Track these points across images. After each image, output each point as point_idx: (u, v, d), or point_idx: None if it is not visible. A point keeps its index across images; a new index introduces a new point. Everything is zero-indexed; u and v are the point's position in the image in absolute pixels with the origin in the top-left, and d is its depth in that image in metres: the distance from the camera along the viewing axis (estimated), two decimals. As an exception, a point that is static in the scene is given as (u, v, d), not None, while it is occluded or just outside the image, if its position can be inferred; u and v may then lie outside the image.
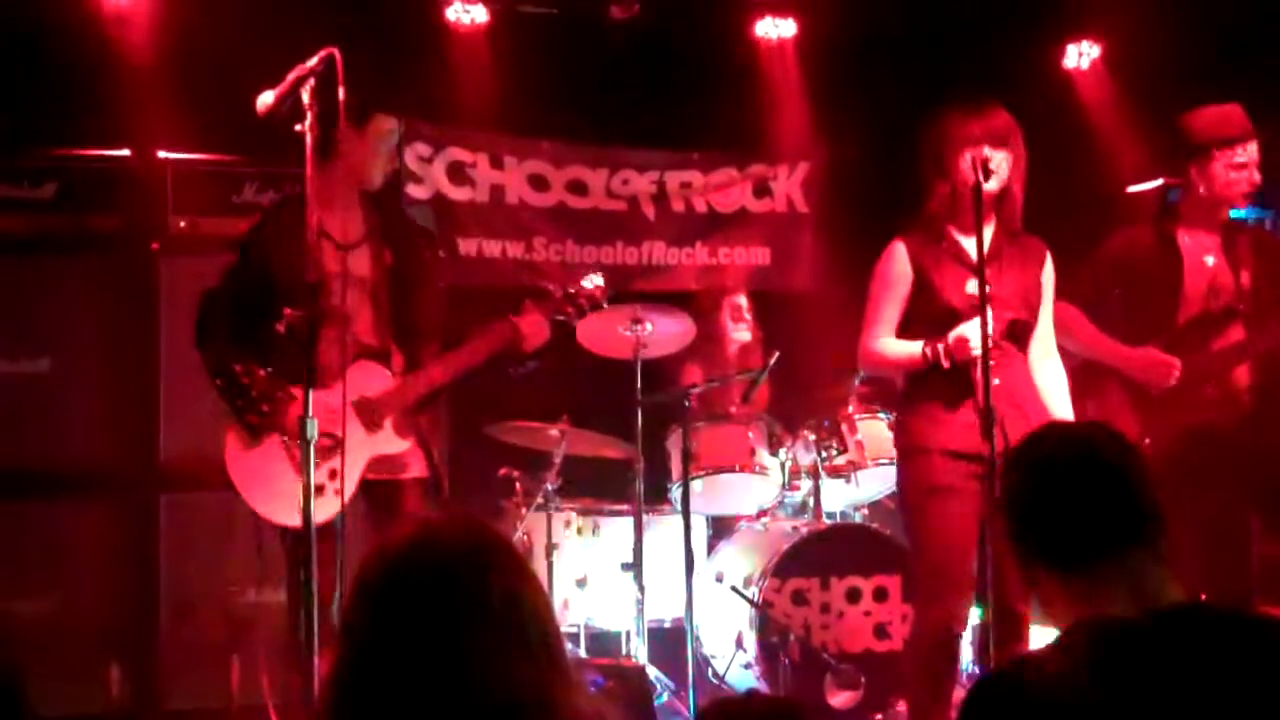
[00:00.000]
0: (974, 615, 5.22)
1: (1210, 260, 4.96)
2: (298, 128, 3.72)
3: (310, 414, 3.66)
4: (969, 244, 4.29)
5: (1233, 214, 5.09)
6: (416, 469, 4.49)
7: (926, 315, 4.33)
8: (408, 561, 1.68)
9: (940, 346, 4.22)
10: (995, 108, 4.30)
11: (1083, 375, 4.92)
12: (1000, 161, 4.21)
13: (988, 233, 4.29)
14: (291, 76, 3.73)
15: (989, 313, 4.09)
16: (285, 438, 4.28)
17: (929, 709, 4.26)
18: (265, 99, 3.78)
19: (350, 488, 4.21)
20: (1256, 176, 4.89)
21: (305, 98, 3.69)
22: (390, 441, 4.40)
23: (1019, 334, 4.36)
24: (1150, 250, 5.00)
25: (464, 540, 1.70)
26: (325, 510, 4.08)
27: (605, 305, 4.77)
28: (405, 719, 1.58)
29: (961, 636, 4.46)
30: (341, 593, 3.63)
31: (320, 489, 4.19)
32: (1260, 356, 4.94)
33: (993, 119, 4.26)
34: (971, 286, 4.21)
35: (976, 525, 4.23)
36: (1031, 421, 4.19)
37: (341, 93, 3.64)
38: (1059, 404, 4.43)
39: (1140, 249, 5.04)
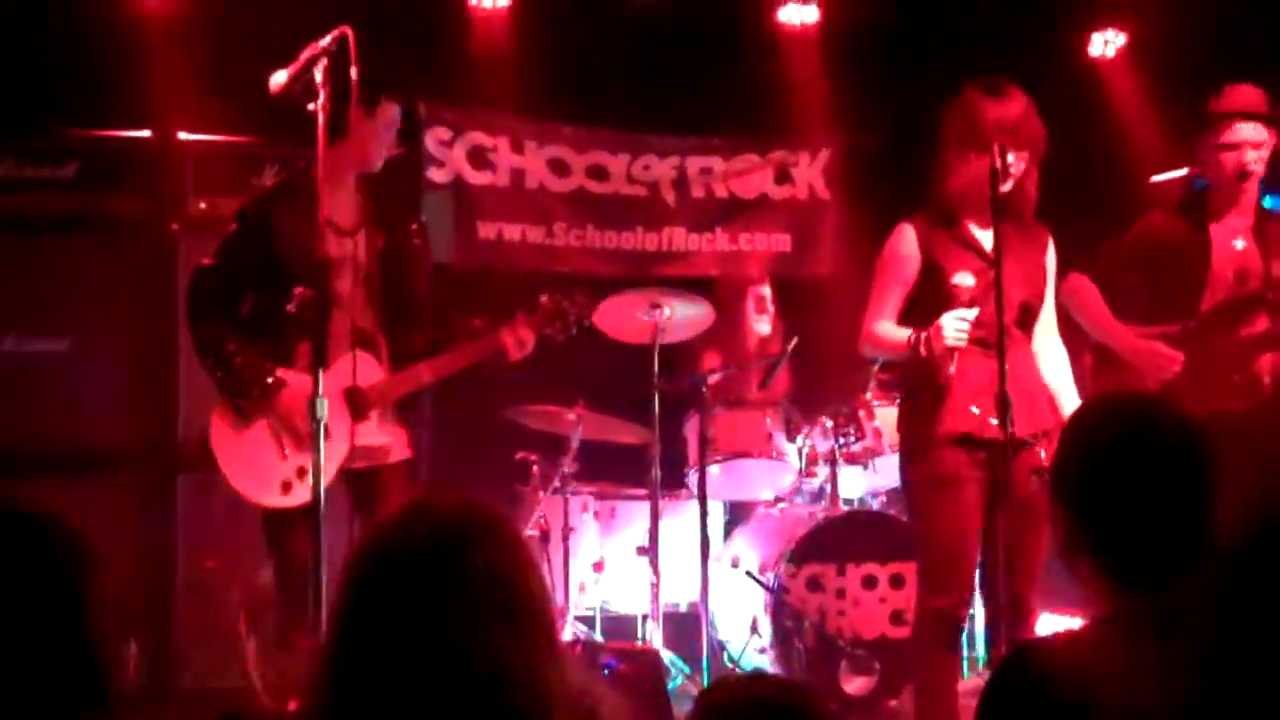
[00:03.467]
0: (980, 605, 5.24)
1: (1240, 245, 4.92)
2: (310, 107, 3.73)
3: (321, 393, 3.67)
4: (981, 234, 4.29)
5: (1265, 202, 5.03)
6: (399, 453, 4.52)
7: (932, 301, 4.29)
8: (398, 538, 1.68)
9: (922, 336, 4.20)
10: (1016, 94, 4.23)
11: (1103, 350, 4.90)
12: (1016, 161, 4.18)
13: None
14: (304, 55, 3.74)
15: (996, 299, 4.07)
16: (273, 420, 4.31)
17: (935, 697, 4.25)
18: (278, 78, 3.79)
19: (330, 474, 4.23)
20: (1246, 158, 4.82)
21: (318, 77, 3.70)
22: (372, 434, 4.43)
23: (1025, 318, 4.34)
24: (1179, 233, 4.97)
25: (454, 517, 1.70)
26: (303, 494, 4.13)
27: (588, 324, 4.79)
28: (392, 693, 1.58)
29: (965, 624, 4.45)
30: (323, 574, 3.65)
31: (302, 472, 4.23)
32: None
33: (1015, 109, 4.20)
34: (966, 278, 4.19)
35: (981, 514, 4.23)
36: (1035, 407, 4.18)
37: (354, 72, 3.64)
38: (1063, 387, 4.41)
39: (1169, 231, 5.00)
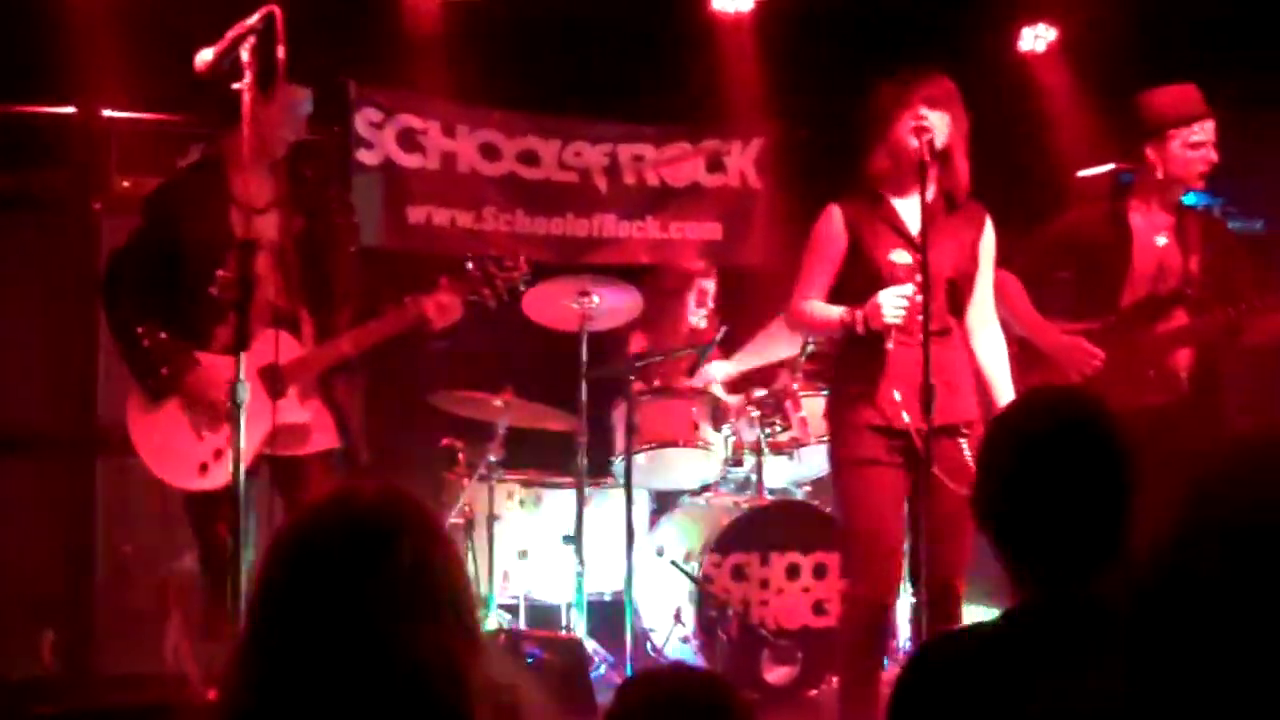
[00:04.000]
0: (908, 593, 5.27)
1: (1161, 241, 4.97)
2: (235, 86, 3.69)
3: (242, 378, 3.64)
4: (906, 211, 4.31)
5: (1185, 199, 5.09)
6: (323, 441, 4.47)
7: (859, 281, 4.30)
8: (316, 527, 1.65)
9: (858, 313, 4.21)
10: (935, 74, 4.28)
11: (1026, 344, 4.93)
12: (937, 122, 4.20)
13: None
14: (231, 34, 3.69)
15: (922, 280, 4.10)
16: (185, 401, 4.28)
17: (860, 683, 4.27)
18: (205, 56, 3.74)
19: (249, 454, 4.19)
20: (1214, 155, 4.88)
21: (245, 56, 3.65)
22: (293, 410, 4.39)
23: (953, 301, 4.33)
24: (1101, 228, 5.01)
25: (374, 507, 1.68)
26: (225, 475, 4.09)
27: (523, 289, 4.75)
28: (308, 684, 1.55)
29: (892, 610, 4.47)
30: (245, 559, 3.62)
31: (219, 453, 4.21)
32: (1202, 343, 4.96)
33: (931, 84, 4.25)
34: (902, 255, 4.21)
35: (904, 500, 4.26)
36: (957, 396, 4.20)
37: (281, 51, 3.60)
38: (998, 375, 4.40)
39: (1091, 226, 5.04)
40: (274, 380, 4.34)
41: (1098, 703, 1.45)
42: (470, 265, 4.60)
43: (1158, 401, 4.84)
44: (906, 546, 4.52)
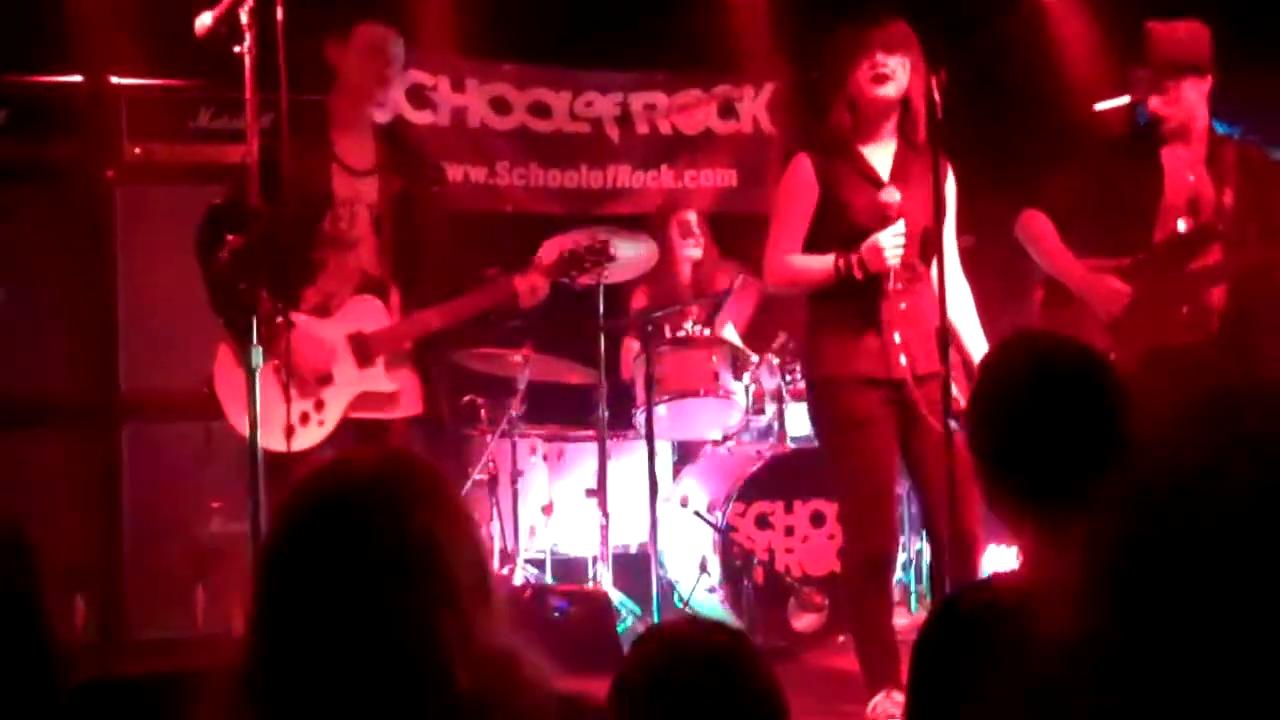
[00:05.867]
0: (922, 541, 5.27)
1: (1192, 177, 4.85)
2: (237, 49, 3.66)
3: (256, 343, 3.64)
4: (874, 157, 4.28)
5: (1217, 127, 4.98)
6: (408, 407, 4.47)
7: (832, 231, 4.26)
8: (302, 496, 1.64)
9: (854, 258, 4.17)
10: (891, 17, 4.23)
11: (1054, 285, 4.87)
12: (895, 67, 4.16)
13: (891, 148, 4.31)
14: (229, -4, 3.67)
15: (902, 227, 4.11)
16: (279, 362, 4.26)
17: (871, 639, 4.28)
18: (204, 20, 3.73)
19: (334, 420, 4.20)
20: (1202, 112, 4.78)
21: (244, 18, 3.63)
22: (379, 380, 4.40)
23: (926, 249, 4.28)
24: (1130, 163, 4.89)
25: (378, 475, 1.66)
26: (307, 439, 4.18)
27: (613, 262, 4.79)
28: (307, 656, 1.55)
29: (894, 561, 4.47)
30: None
31: (305, 418, 4.22)
32: (1236, 279, 4.84)
33: (888, 28, 4.20)
34: (893, 194, 4.18)
35: (896, 450, 4.25)
36: (935, 345, 4.15)
37: (280, 13, 3.57)
38: (965, 324, 4.35)
39: (1120, 162, 4.93)
40: (362, 348, 4.34)
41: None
42: (565, 249, 4.63)
43: (1187, 340, 4.75)
44: (902, 494, 4.51)
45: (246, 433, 4.27)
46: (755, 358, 5.96)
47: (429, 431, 4.58)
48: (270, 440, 4.24)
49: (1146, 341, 4.68)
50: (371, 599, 1.54)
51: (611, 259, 4.77)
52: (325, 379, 4.25)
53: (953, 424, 3.94)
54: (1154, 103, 4.76)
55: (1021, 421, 2.13)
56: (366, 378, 4.34)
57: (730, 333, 6.21)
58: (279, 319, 4.22)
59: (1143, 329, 4.71)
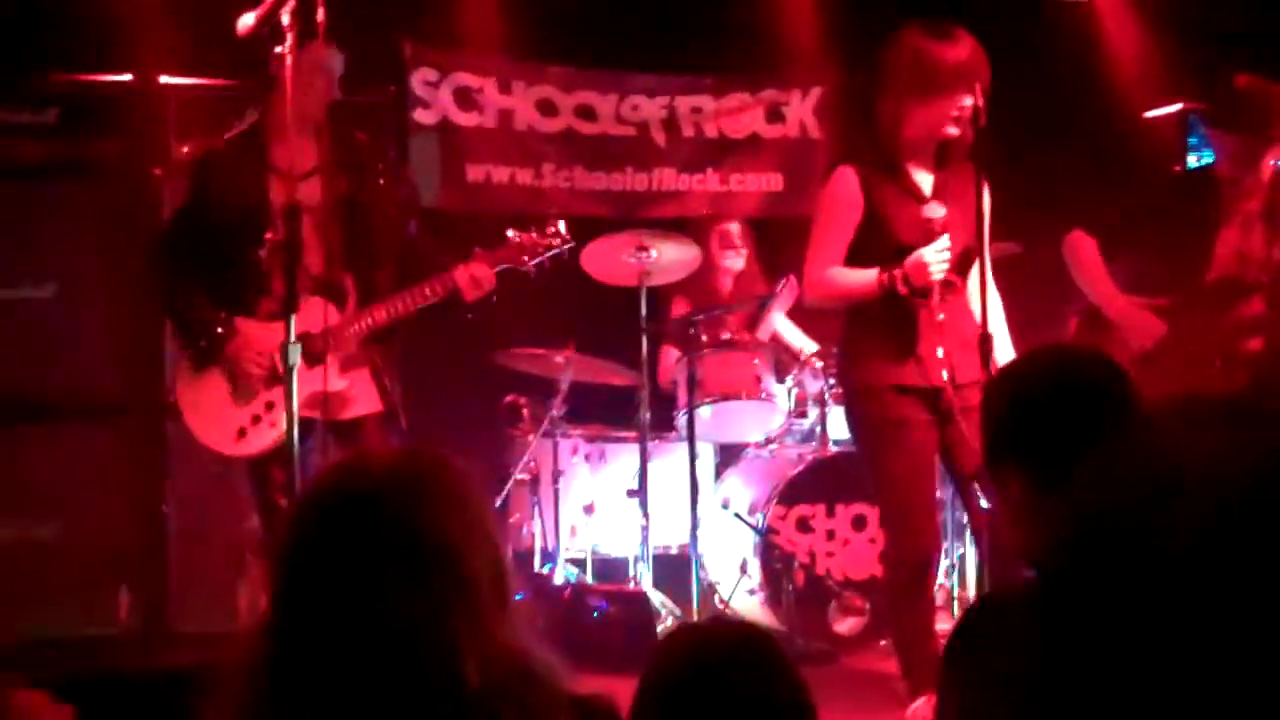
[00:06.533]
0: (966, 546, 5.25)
1: (1245, 225, 4.76)
2: (278, 50, 3.69)
3: (293, 339, 3.68)
4: (922, 176, 4.28)
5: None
6: (365, 405, 4.49)
7: (875, 246, 4.24)
8: (313, 497, 1.64)
9: (898, 273, 4.15)
10: (963, 35, 4.18)
11: (1089, 318, 4.81)
12: (972, 104, 4.12)
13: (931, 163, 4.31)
14: (271, -2, 3.69)
15: (946, 243, 4.12)
16: (225, 369, 4.34)
17: (914, 643, 4.25)
18: (246, 20, 3.76)
19: (283, 422, 4.23)
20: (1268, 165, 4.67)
21: (285, 19, 3.65)
22: (331, 379, 4.40)
23: (965, 264, 4.28)
24: (1187, 202, 4.80)
25: (394, 472, 1.65)
26: (261, 440, 4.26)
27: (565, 256, 4.72)
28: (314, 656, 1.55)
29: (936, 565, 4.44)
30: None
31: (255, 419, 4.29)
32: (1276, 334, 4.73)
33: (977, 64, 4.14)
34: (937, 209, 4.16)
35: (935, 457, 4.25)
36: (975, 355, 4.12)
37: (321, 14, 3.60)
38: (998, 336, 4.28)
39: (1178, 198, 4.83)
40: (309, 349, 4.36)
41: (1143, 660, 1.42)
42: (510, 234, 4.59)
43: (1216, 390, 4.61)
44: (945, 499, 4.49)
45: (205, 440, 4.44)
46: (811, 349, 5.93)
47: (391, 429, 4.59)
48: (222, 444, 4.36)
49: (1173, 382, 4.59)
50: (383, 597, 1.54)
51: (567, 242, 4.70)
52: (272, 379, 4.28)
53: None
54: (1232, 166, 4.68)
55: (1034, 421, 2.16)
56: (316, 378, 4.35)
57: (782, 322, 6.19)
58: (220, 328, 4.31)
59: (1172, 369, 4.63)
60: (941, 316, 4.19)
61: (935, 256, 4.11)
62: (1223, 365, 4.72)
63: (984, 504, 4.08)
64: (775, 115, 7.16)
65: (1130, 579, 1.11)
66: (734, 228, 6.50)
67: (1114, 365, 2.24)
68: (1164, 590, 1.07)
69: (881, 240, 4.23)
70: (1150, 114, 6.53)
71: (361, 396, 4.50)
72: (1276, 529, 1.07)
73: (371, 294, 4.47)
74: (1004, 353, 4.28)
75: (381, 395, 4.51)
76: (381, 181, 4.55)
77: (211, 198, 4.34)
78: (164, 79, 5.83)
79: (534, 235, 4.58)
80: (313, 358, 4.34)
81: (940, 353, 4.18)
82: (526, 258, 4.55)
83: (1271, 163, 4.62)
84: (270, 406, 4.33)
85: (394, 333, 4.56)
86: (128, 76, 5.82)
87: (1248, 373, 4.72)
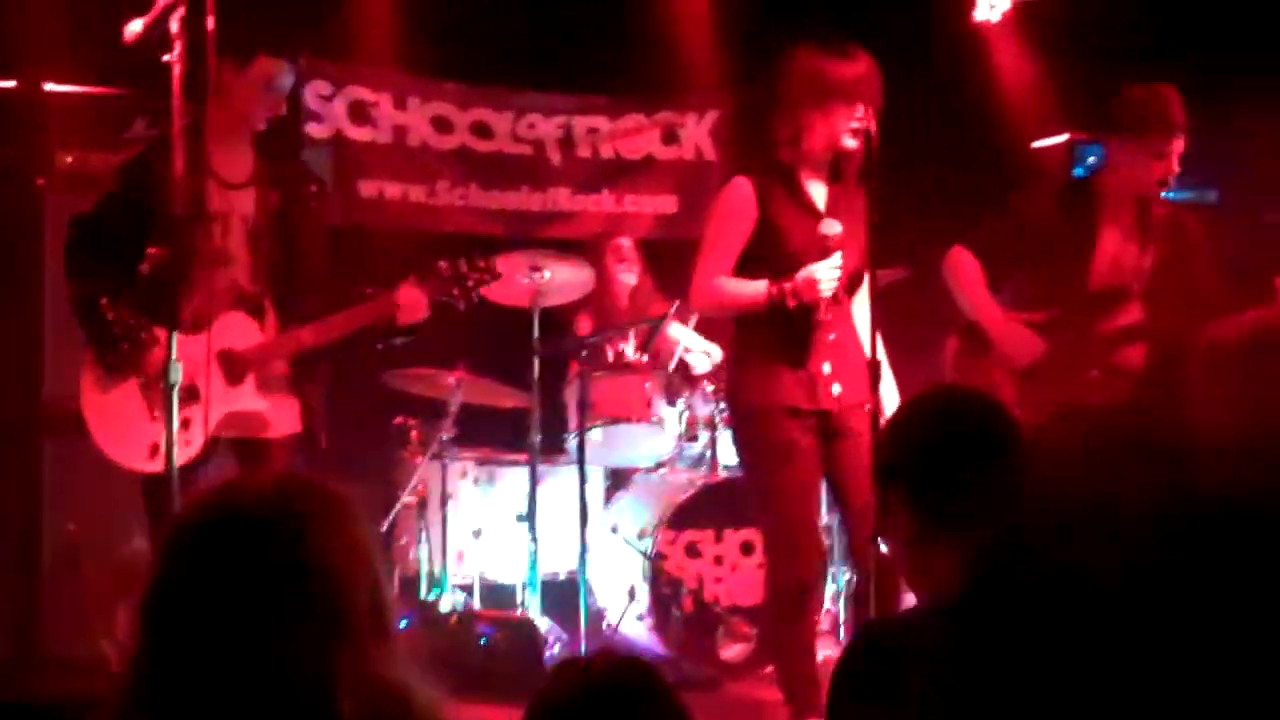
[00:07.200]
0: (845, 573, 5.27)
1: (1120, 234, 4.77)
2: (166, 58, 3.61)
3: (175, 357, 3.57)
4: (816, 191, 4.31)
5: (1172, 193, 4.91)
6: (285, 426, 4.38)
7: (767, 257, 4.26)
8: (204, 521, 1.59)
9: (788, 287, 4.16)
10: (860, 54, 4.23)
11: (969, 335, 4.82)
12: (868, 119, 4.16)
13: (825, 178, 4.34)
14: (160, 4, 3.61)
15: (839, 260, 4.16)
16: (142, 381, 4.18)
17: (792, 666, 4.26)
18: (134, 27, 3.68)
19: (200, 440, 4.12)
20: (1175, 168, 4.72)
21: (173, 27, 3.57)
22: (250, 398, 4.30)
23: (854, 283, 4.32)
24: (1066, 215, 4.82)
25: (271, 499, 1.61)
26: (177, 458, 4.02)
27: (491, 282, 4.66)
28: (185, 683, 1.50)
29: (820, 589, 4.46)
30: None
31: None
32: (1155, 342, 4.76)
33: (872, 79, 4.20)
34: (834, 226, 4.19)
35: (821, 479, 4.27)
36: (862, 376, 4.12)
37: (210, 23, 3.52)
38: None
39: (1054, 215, 4.84)
40: (232, 366, 4.26)
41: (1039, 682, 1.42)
42: (442, 265, 4.52)
43: (1098, 401, 4.67)
44: (831, 524, 4.50)
45: (113, 455, 4.25)
46: (717, 353, 5.96)
47: (308, 451, 4.49)
48: (134, 460, 4.19)
49: (1054, 396, 4.60)
50: (257, 627, 1.50)
51: (497, 277, 4.67)
52: (191, 396, 4.13)
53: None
54: (1116, 172, 4.74)
55: (929, 470, 2.23)
56: (235, 396, 4.25)
57: (682, 330, 6.16)
58: (142, 335, 4.17)
59: (1052, 384, 4.64)
60: (832, 336, 4.21)
61: (827, 272, 4.14)
62: (1102, 376, 4.74)
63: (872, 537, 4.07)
64: (671, 137, 7.16)
65: (1053, 612, 1.10)
66: (625, 242, 6.52)
67: (998, 406, 2.30)
68: (1094, 622, 1.07)
69: (774, 251, 4.24)
70: (1038, 144, 6.63)
71: (282, 416, 4.38)
72: (1191, 561, 1.07)
73: (293, 318, 4.36)
74: (885, 378, 4.29)
75: (304, 415, 4.40)
76: (314, 204, 4.47)
77: (147, 197, 4.16)
78: (48, 86, 5.69)
79: (464, 267, 4.51)
80: (232, 376, 4.23)
81: (828, 369, 4.20)
82: (457, 292, 4.48)
83: (1148, 166, 4.68)
84: (187, 424, 4.17)
85: (320, 355, 4.46)
86: (10, 83, 5.69)
87: (1127, 383, 4.75)
